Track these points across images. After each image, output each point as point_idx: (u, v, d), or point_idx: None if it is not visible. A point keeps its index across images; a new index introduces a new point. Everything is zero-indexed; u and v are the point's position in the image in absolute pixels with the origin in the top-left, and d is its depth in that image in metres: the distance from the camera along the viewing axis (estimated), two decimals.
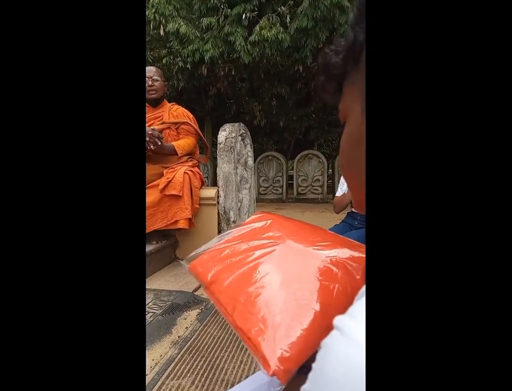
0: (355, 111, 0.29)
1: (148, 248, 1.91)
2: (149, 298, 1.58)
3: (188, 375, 1.06)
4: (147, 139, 1.83)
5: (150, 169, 1.90)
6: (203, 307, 1.51)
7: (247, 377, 0.93)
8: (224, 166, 2.07)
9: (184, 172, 1.93)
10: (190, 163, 2.09)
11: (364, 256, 0.54)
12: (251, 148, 2.39)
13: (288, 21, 4.12)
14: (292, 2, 4.19)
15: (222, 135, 2.08)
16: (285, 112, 6.24)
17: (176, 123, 2.10)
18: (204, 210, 2.12)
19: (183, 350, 1.18)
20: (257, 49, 4.20)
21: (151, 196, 1.85)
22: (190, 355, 1.16)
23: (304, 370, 0.35)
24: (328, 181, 5.57)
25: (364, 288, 0.22)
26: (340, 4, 3.67)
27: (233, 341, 1.24)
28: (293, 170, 5.47)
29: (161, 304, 1.53)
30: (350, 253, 0.55)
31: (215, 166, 2.00)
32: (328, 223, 2.77)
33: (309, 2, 3.81)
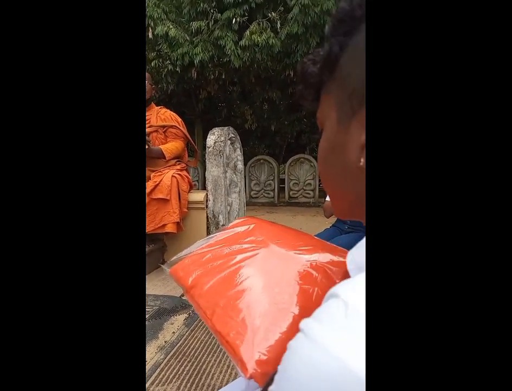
0: (331, 119, 0.30)
1: None
2: None
3: (174, 381, 1.05)
4: None
5: None
6: (190, 311, 1.50)
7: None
8: (213, 170, 2.07)
9: (172, 175, 1.93)
10: (178, 167, 2.09)
11: (345, 260, 0.54)
12: (241, 152, 2.40)
13: (278, 27, 4.16)
14: (283, 8, 4.23)
15: (210, 139, 2.08)
16: (276, 116, 6.28)
17: (163, 126, 2.09)
18: (192, 214, 2.11)
19: (169, 355, 1.17)
20: (248, 54, 4.22)
21: None
22: (176, 361, 1.14)
23: None
24: (320, 185, 5.61)
25: (330, 291, 0.22)
26: (330, 11, 3.73)
27: (220, 346, 1.23)
28: (284, 174, 5.50)
29: (148, 309, 1.51)
30: (330, 258, 0.55)
31: (205, 170, 2.00)
32: (319, 227, 2.79)
33: (299, 9, 3.86)
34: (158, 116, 2.12)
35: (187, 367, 1.11)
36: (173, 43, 4.32)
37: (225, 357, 1.15)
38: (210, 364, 1.12)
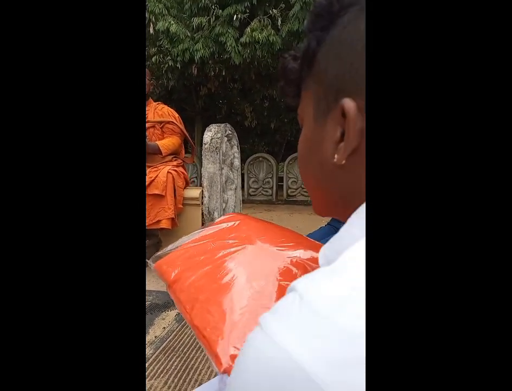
0: (309, 115, 0.30)
1: None
2: None
3: (161, 375, 1.05)
4: None
5: None
6: None
7: None
8: (209, 167, 2.07)
9: (168, 171, 1.93)
10: (175, 163, 2.09)
11: None
12: (238, 149, 2.40)
13: (279, 24, 4.14)
14: (284, 5, 4.21)
15: (207, 135, 2.07)
16: (276, 114, 6.26)
17: (160, 122, 2.09)
18: (188, 211, 2.11)
19: (158, 350, 1.18)
20: (248, 51, 4.21)
21: None
22: (165, 356, 1.15)
23: None
24: None
25: (290, 285, 0.22)
26: None
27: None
28: (283, 172, 5.49)
29: None
30: (312, 255, 0.55)
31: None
32: (316, 225, 2.78)
33: (300, 6, 3.84)
34: (156, 112, 2.12)
35: (176, 363, 1.11)
36: (174, 39, 4.31)
37: None
38: (198, 360, 1.12)
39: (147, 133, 2.02)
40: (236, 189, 2.38)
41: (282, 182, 5.44)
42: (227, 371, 0.39)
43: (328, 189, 0.30)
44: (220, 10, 4.22)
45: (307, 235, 0.69)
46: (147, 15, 4.14)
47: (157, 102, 2.19)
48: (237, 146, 2.39)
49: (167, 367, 1.09)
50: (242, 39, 4.12)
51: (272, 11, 4.17)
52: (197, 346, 1.21)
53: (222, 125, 2.16)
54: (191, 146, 2.38)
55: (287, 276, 0.51)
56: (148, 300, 1.57)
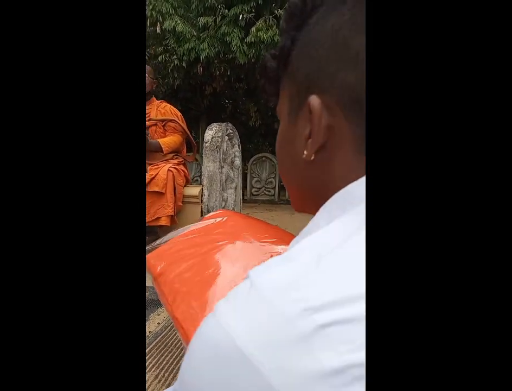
0: (284, 113, 0.30)
1: None
2: None
3: (153, 369, 1.07)
4: None
5: None
6: None
7: None
8: (209, 165, 2.08)
9: (168, 169, 1.94)
10: (175, 161, 2.10)
11: None
12: (239, 148, 2.41)
13: None
14: None
15: (208, 134, 2.09)
16: None
17: (162, 120, 2.11)
18: (187, 208, 2.13)
19: (151, 345, 1.19)
20: (253, 50, 4.22)
21: None
22: (158, 350, 1.17)
23: None
24: None
25: (248, 272, 0.23)
26: None
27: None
28: None
29: None
30: None
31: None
32: None
33: None
34: (158, 110, 2.14)
35: (167, 358, 1.13)
36: (180, 38, 4.34)
37: None
38: None
39: (149, 131, 2.04)
40: (236, 188, 2.40)
41: None
42: None
43: (301, 185, 0.30)
44: (226, 10, 4.23)
45: None
46: (154, 14, 4.18)
47: (160, 101, 2.21)
48: (238, 146, 2.41)
49: (159, 361, 1.11)
50: (248, 39, 4.13)
51: (277, 11, 4.17)
52: None
53: (223, 124, 2.17)
54: (192, 145, 2.39)
55: None
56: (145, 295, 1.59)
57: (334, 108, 0.25)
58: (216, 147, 2.09)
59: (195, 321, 0.50)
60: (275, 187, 5.43)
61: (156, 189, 1.88)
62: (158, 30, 4.33)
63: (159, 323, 1.35)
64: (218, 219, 0.71)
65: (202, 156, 2.13)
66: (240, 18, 4.15)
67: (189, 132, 2.25)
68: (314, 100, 0.25)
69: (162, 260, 0.63)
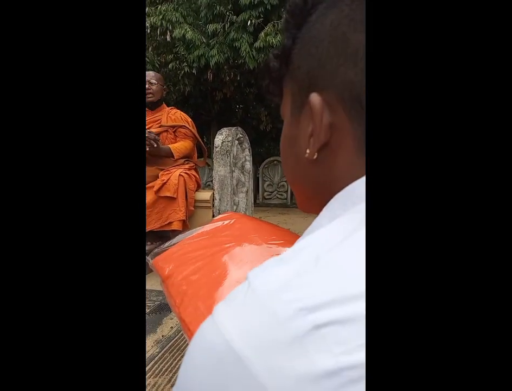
0: (287, 112, 0.30)
1: None
2: None
3: (166, 373, 1.07)
4: None
5: (146, 171, 1.94)
6: None
7: None
8: (220, 170, 2.09)
9: (179, 174, 1.96)
10: (187, 166, 2.13)
11: None
12: (249, 152, 2.41)
13: None
14: None
15: (218, 139, 2.10)
16: None
17: (173, 126, 2.14)
18: (199, 213, 2.14)
19: (165, 349, 1.20)
20: (263, 55, 4.24)
21: (146, 197, 1.89)
22: (171, 354, 1.17)
23: None
24: None
25: (247, 274, 0.23)
26: None
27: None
28: None
29: (149, 304, 1.55)
30: None
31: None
32: None
33: None
34: (169, 116, 2.17)
35: (181, 362, 1.13)
36: (190, 46, 4.41)
37: None
38: None
39: (160, 137, 2.07)
40: (247, 192, 2.40)
41: None
42: None
43: (305, 184, 0.30)
44: (234, 16, 4.29)
45: None
46: (164, 23, 4.27)
47: (170, 107, 2.25)
48: (249, 150, 2.41)
49: (172, 365, 1.11)
50: (256, 44, 4.16)
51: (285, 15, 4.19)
52: None
53: (233, 128, 2.19)
54: (202, 150, 2.42)
55: None
56: (158, 300, 1.60)
57: (336, 106, 0.25)
58: (226, 152, 2.10)
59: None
60: (287, 191, 5.41)
61: (168, 194, 1.90)
62: (168, 38, 4.42)
63: (172, 327, 1.36)
64: (226, 222, 0.71)
65: (213, 161, 2.14)
66: (249, 23, 4.19)
67: (199, 138, 2.27)
68: (315, 97, 0.25)
69: (170, 263, 0.63)
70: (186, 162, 2.18)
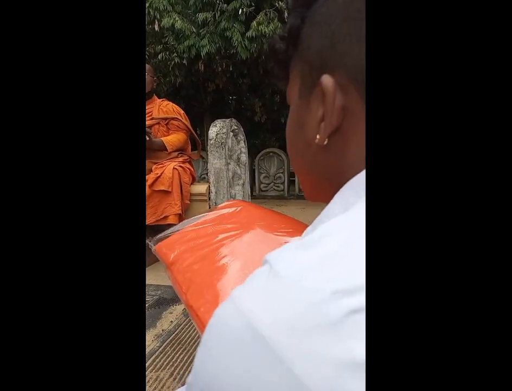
0: (295, 95, 0.29)
1: None
2: None
3: (167, 367, 1.07)
4: None
5: None
6: None
7: None
8: (215, 162, 2.07)
9: (173, 168, 1.94)
10: (181, 159, 2.10)
11: None
12: (244, 144, 2.39)
13: (286, 17, 4.08)
14: None
15: (212, 131, 2.07)
16: (287, 108, 6.19)
17: (165, 119, 2.10)
18: (195, 206, 2.12)
19: (165, 343, 1.19)
20: (255, 45, 4.17)
21: None
22: (172, 348, 1.17)
23: None
24: None
25: (265, 257, 0.22)
26: None
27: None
28: None
29: (148, 299, 1.54)
30: None
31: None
32: None
33: None
34: (160, 108, 2.13)
35: (182, 355, 1.13)
36: (179, 35, 4.32)
37: None
38: None
39: (152, 130, 2.04)
40: (243, 184, 2.38)
41: (294, 177, 5.40)
42: None
43: (314, 172, 0.29)
44: (225, 4, 4.19)
45: None
46: (151, 12, 4.16)
47: (162, 99, 2.20)
48: (244, 141, 2.39)
49: (174, 359, 1.11)
50: (248, 34, 4.08)
51: (277, 3, 4.11)
52: None
53: (227, 120, 2.15)
54: (196, 142, 2.38)
55: None
56: (157, 294, 1.60)
57: (349, 88, 0.23)
58: (221, 144, 2.07)
59: (210, 311, 0.49)
60: (284, 182, 5.40)
61: (162, 187, 1.87)
62: (157, 27, 4.31)
63: (171, 321, 1.36)
64: (231, 209, 0.70)
65: (207, 153, 2.12)
66: (240, 12, 4.11)
67: (192, 130, 2.23)
68: (327, 79, 0.24)
69: (174, 249, 0.62)
70: (180, 155, 2.15)
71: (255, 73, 5.23)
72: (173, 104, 2.18)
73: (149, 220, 1.88)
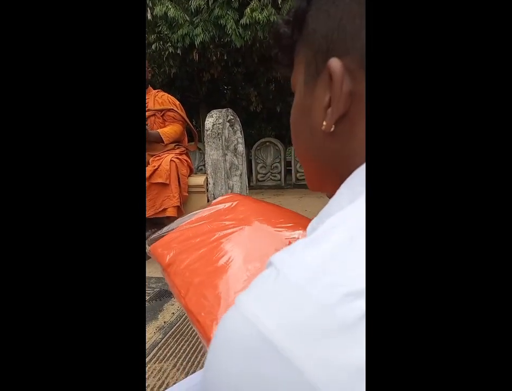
0: (300, 81, 0.28)
1: None
2: None
3: (170, 358, 1.08)
4: None
5: None
6: None
7: None
8: (212, 153, 2.05)
9: (171, 160, 1.92)
10: (178, 151, 2.08)
11: None
12: (241, 134, 2.37)
13: (280, 3, 4.00)
14: None
15: (209, 121, 2.05)
16: (282, 97, 6.15)
17: (161, 110, 2.07)
18: (193, 198, 2.12)
19: (167, 335, 1.20)
20: (249, 32, 4.10)
21: None
22: (174, 340, 1.17)
23: None
24: None
25: (269, 259, 0.21)
26: None
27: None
28: (291, 156, 5.42)
29: (149, 291, 1.55)
30: None
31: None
32: None
33: None
34: (156, 100, 2.10)
35: (184, 346, 1.14)
36: (173, 24, 4.23)
37: None
38: None
39: (148, 122, 2.01)
40: (241, 175, 2.37)
41: (291, 166, 5.39)
42: None
43: (319, 159, 0.28)
44: None
45: None
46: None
47: (157, 90, 2.17)
48: (241, 132, 2.36)
49: (176, 350, 1.12)
50: (242, 21, 4.01)
51: None
52: None
53: (223, 110, 2.13)
54: (193, 133, 2.36)
55: None
56: (158, 286, 1.60)
57: (357, 72, 0.22)
58: (218, 134, 2.05)
59: (211, 314, 0.48)
60: (281, 172, 5.38)
61: (160, 180, 1.86)
62: (149, 16, 4.22)
63: (173, 313, 1.36)
64: (227, 204, 0.68)
65: (204, 145, 2.09)
66: None
67: (188, 121, 2.21)
68: (335, 62, 0.23)
69: (171, 249, 0.61)
70: (177, 146, 2.13)
71: (250, 61, 5.16)
72: (169, 95, 2.15)
73: (148, 213, 1.87)
